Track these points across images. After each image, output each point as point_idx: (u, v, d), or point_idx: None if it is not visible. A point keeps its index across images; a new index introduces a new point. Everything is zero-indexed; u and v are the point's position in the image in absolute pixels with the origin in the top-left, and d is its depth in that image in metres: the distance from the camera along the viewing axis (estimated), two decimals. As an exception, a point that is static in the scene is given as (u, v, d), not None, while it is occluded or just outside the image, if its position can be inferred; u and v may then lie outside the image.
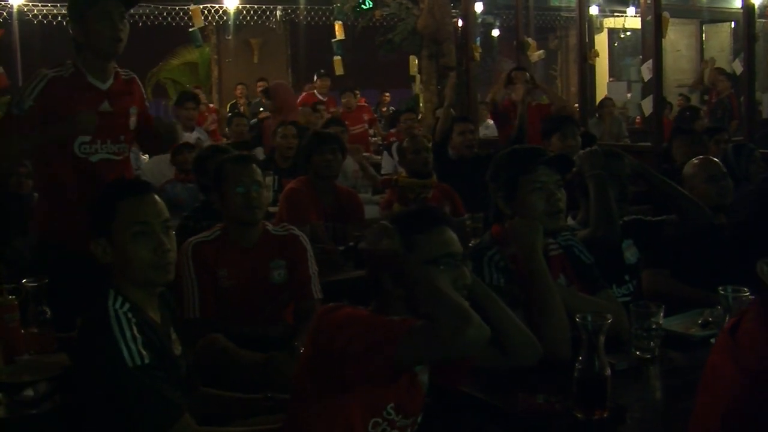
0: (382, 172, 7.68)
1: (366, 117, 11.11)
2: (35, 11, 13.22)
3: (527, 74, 7.89)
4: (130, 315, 2.25)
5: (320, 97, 11.46)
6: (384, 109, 14.36)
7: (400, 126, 8.05)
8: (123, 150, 3.69)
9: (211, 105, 13.97)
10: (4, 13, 13.07)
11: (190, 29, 10.76)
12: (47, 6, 13.22)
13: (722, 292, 2.64)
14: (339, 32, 11.96)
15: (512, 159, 2.95)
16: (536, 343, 2.49)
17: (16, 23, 13.24)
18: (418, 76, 10.68)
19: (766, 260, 1.70)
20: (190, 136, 8.00)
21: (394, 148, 7.78)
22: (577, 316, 2.23)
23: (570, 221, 3.78)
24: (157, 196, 2.43)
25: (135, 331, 2.21)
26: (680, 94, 12.80)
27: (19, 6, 12.98)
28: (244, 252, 3.52)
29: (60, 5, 13.29)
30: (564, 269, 2.97)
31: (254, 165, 3.56)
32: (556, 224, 2.87)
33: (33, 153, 3.65)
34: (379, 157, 8.66)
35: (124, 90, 3.69)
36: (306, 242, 3.65)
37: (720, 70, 11.62)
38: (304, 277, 3.57)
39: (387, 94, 14.95)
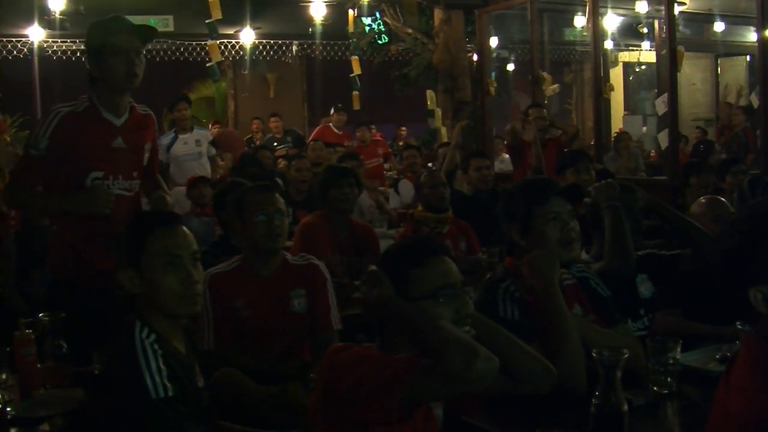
0: (390, 208, 7.73)
1: (381, 151, 11.16)
2: (54, 47, 13.37)
3: (543, 111, 7.88)
4: (156, 346, 2.26)
5: (336, 130, 11.54)
6: (401, 143, 14.41)
7: (404, 163, 8.10)
8: (135, 186, 3.66)
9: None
10: (25, 49, 13.23)
11: (208, 64, 10.86)
12: (66, 42, 13.37)
13: (740, 326, 2.62)
14: (356, 67, 12.03)
15: (526, 190, 2.97)
16: (549, 368, 2.42)
17: (36, 59, 13.41)
18: (437, 111, 10.70)
19: (758, 287, 1.67)
20: (189, 137, 8.14)
21: (401, 184, 7.81)
22: (594, 351, 2.21)
23: (584, 255, 3.78)
24: (186, 229, 2.46)
25: (161, 363, 2.22)
26: (697, 127, 12.78)
27: (39, 42, 13.14)
28: (263, 281, 3.51)
29: (79, 41, 13.44)
30: (579, 299, 2.96)
31: (276, 194, 3.56)
32: (570, 254, 2.87)
33: (46, 210, 3.67)
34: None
35: (139, 125, 3.68)
36: (326, 272, 3.64)
37: (735, 104, 11.62)
38: (323, 307, 3.56)
39: (403, 128, 15.00)
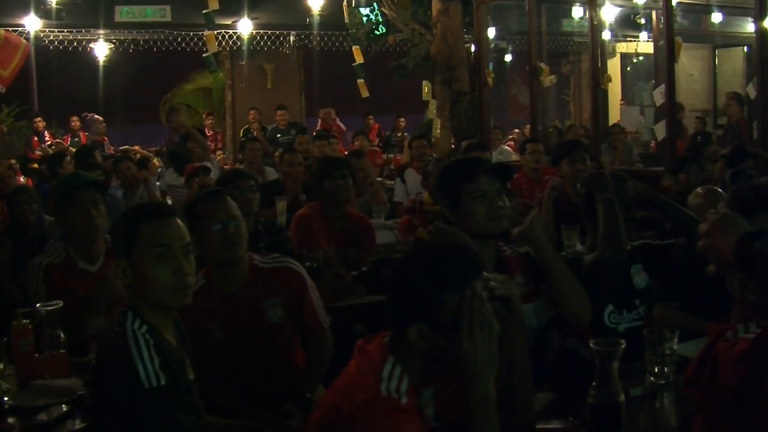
0: (395, 199, 7.69)
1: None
2: (51, 37, 13.33)
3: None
4: (147, 337, 2.26)
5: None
6: (399, 134, 14.37)
7: (412, 153, 8.07)
8: None
9: (216, 130, 14.14)
10: (22, 39, 13.20)
11: (204, 54, 10.83)
12: (63, 32, 13.34)
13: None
14: (358, 56, 11.98)
15: (454, 169, 3.11)
16: (587, 301, 2.92)
17: (32, 49, 13.37)
18: (432, 102, 10.67)
19: (736, 274, 1.70)
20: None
21: (407, 174, 7.79)
22: (591, 342, 2.21)
23: (579, 247, 3.79)
24: (179, 221, 2.44)
25: (153, 353, 2.23)
26: (697, 117, 12.76)
27: (36, 32, 13.10)
28: (233, 297, 3.26)
29: (75, 31, 13.43)
30: (522, 269, 3.04)
31: (229, 199, 3.31)
32: (499, 227, 2.96)
33: None
34: (391, 182, 8.67)
35: None
36: (303, 272, 3.43)
37: (731, 95, 11.60)
38: (310, 311, 3.36)
39: (402, 119, 14.95)
